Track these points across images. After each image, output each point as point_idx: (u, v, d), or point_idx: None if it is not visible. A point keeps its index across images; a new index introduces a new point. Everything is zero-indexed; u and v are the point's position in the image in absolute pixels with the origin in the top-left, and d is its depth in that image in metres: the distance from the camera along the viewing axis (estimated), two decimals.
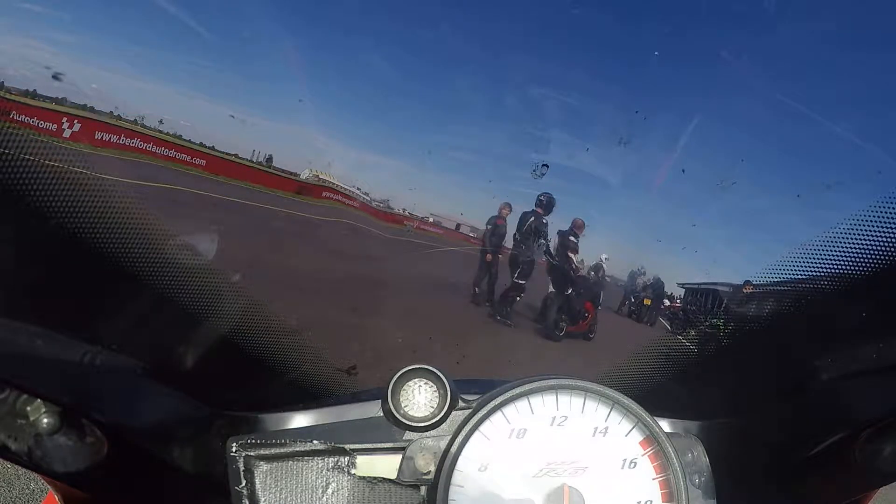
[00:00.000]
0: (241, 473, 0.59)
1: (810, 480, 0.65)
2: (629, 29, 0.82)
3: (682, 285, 1.01)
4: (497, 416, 0.60)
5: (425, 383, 0.61)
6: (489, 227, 1.02)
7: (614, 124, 0.81)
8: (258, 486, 0.59)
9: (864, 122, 0.72)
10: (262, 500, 0.59)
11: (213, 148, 0.83)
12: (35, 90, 0.61)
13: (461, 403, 0.61)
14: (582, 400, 0.61)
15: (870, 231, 0.58)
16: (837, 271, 0.62)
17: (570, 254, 1.03)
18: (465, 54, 0.85)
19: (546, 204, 0.91)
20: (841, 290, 0.63)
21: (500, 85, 0.86)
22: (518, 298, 1.14)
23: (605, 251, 1.04)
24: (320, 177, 0.91)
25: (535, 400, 0.61)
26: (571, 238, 0.98)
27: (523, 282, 1.12)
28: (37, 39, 0.64)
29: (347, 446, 0.59)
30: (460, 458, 0.58)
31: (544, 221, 0.97)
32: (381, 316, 1.03)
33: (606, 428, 0.61)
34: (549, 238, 1.00)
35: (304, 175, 0.92)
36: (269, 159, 0.88)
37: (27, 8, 0.63)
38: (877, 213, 0.58)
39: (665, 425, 0.66)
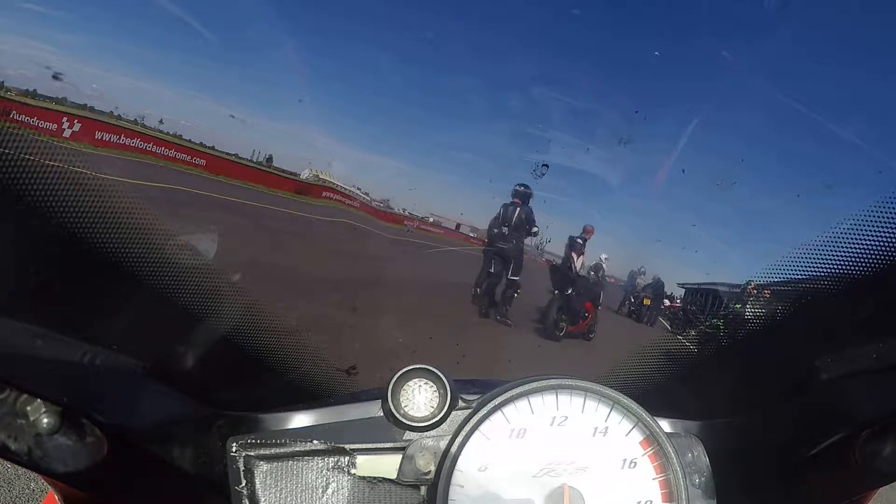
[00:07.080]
0: (241, 473, 0.59)
1: (810, 480, 0.65)
2: (629, 29, 0.82)
3: (682, 285, 1.01)
4: (497, 415, 0.60)
5: (425, 383, 0.61)
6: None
7: (615, 124, 0.81)
8: (258, 486, 0.59)
9: (864, 122, 0.72)
10: (262, 500, 0.59)
11: (213, 148, 0.83)
12: (35, 90, 0.61)
13: (461, 403, 0.61)
14: (582, 400, 0.61)
15: (870, 231, 0.58)
16: (837, 271, 0.62)
17: (573, 254, 1.03)
18: (465, 54, 0.85)
19: (523, 194, 0.92)
20: (841, 290, 0.63)
21: (500, 85, 0.86)
22: (515, 295, 1.14)
23: (605, 251, 1.04)
24: (320, 177, 0.91)
25: (535, 400, 0.61)
26: (579, 241, 0.99)
27: (517, 278, 1.12)
28: (37, 39, 0.64)
29: (347, 446, 0.59)
30: (460, 458, 0.58)
31: (529, 208, 0.97)
32: (381, 316, 1.03)
33: (606, 428, 0.61)
34: (536, 226, 1.00)
35: (304, 175, 0.92)
36: (269, 159, 0.88)
37: (27, 8, 0.63)
38: (877, 213, 0.57)
39: (665, 425, 0.66)
